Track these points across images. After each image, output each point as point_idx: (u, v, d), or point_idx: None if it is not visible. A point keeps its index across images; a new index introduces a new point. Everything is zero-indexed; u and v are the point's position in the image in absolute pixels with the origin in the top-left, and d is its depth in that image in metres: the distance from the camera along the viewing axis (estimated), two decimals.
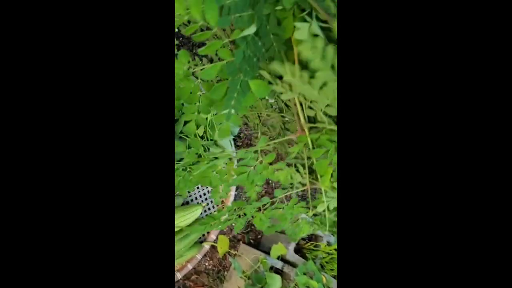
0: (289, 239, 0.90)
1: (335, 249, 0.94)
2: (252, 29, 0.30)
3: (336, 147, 0.42)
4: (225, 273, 1.10)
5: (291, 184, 0.51)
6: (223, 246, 0.90)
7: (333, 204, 0.50)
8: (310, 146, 0.43)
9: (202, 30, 0.34)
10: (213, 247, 1.02)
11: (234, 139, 0.99)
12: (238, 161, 0.50)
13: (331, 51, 0.29)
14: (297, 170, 0.49)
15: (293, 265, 0.91)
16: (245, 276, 0.95)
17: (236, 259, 1.00)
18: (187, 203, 0.99)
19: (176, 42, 1.04)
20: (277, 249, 0.91)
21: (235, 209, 0.50)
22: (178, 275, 0.94)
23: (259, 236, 1.15)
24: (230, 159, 0.50)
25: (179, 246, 0.88)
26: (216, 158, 0.46)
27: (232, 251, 1.04)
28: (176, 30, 0.68)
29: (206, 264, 1.06)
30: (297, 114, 0.41)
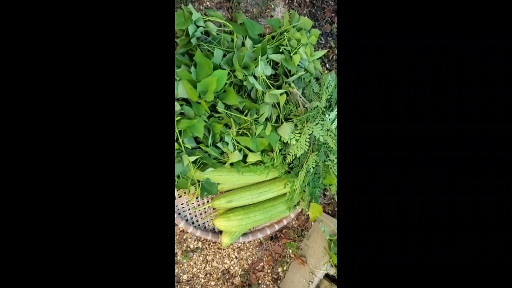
0: None
1: None
2: None
3: None
4: (305, 232, 1.22)
5: None
6: (315, 212, 0.99)
7: None
8: None
9: None
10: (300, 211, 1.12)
11: None
12: None
13: None
14: None
15: None
16: (330, 240, 1.05)
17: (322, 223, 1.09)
18: None
19: None
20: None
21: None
22: (276, 226, 1.07)
23: (336, 209, 1.30)
24: None
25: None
26: None
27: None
28: None
29: (293, 222, 1.17)
30: None
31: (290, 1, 1.05)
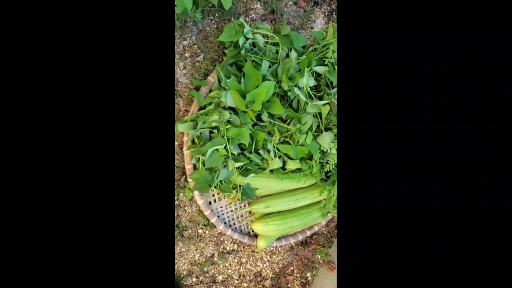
0: None
1: None
2: None
3: None
4: (334, 239, 1.24)
5: None
6: None
7: None
8: None
9: None
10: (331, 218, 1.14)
11: None
12: None
13: None
14: None
15: None
16: None
17: None
18: None
19: None
20: None
21: None
22: (308, 232, 1.11)
23: None
24: None
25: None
26: None
27: None
28: None
29: (323, 229, 1.19)
30: None
31: (329, 13, 1.08)
